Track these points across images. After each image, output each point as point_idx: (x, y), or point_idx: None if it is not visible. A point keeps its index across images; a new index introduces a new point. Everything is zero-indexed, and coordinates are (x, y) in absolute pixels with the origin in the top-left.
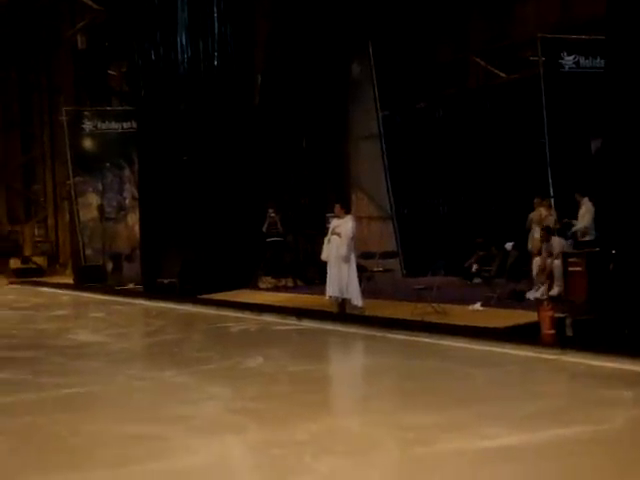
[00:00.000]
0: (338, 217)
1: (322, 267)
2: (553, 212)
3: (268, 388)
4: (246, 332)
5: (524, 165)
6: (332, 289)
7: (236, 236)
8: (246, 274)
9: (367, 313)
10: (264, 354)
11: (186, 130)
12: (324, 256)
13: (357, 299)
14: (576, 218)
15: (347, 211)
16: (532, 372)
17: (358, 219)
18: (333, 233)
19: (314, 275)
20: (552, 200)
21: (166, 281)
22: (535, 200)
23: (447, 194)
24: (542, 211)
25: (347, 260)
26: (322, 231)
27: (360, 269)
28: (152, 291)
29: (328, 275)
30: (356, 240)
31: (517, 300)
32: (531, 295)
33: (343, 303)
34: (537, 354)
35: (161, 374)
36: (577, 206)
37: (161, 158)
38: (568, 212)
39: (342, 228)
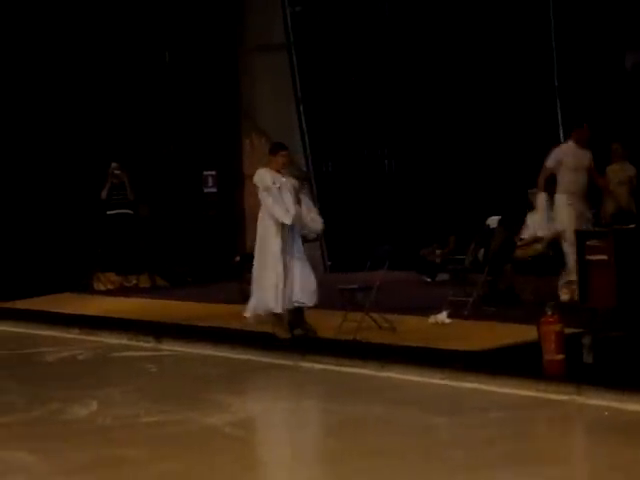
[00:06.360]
0: (277, 170)
1: (198, 259)
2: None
3: (107, 452)
4: (71, 361)
5: (523, 93)
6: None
7: (54, 205)
8: (73, 268)
9: (268, 329)
10: (100, 396)
11: None
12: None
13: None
14: None
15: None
16: (528, 423)
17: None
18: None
19: (184, 270)
20: None
21: None
22: (614, 147)
23: (397, 140)
24: (626, 167)
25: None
26: (199, 198)
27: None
28: None
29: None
30: (251, 214)
31: (506, 307)
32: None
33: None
34: (536, 393)
35: None
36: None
37: None
38: None
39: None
